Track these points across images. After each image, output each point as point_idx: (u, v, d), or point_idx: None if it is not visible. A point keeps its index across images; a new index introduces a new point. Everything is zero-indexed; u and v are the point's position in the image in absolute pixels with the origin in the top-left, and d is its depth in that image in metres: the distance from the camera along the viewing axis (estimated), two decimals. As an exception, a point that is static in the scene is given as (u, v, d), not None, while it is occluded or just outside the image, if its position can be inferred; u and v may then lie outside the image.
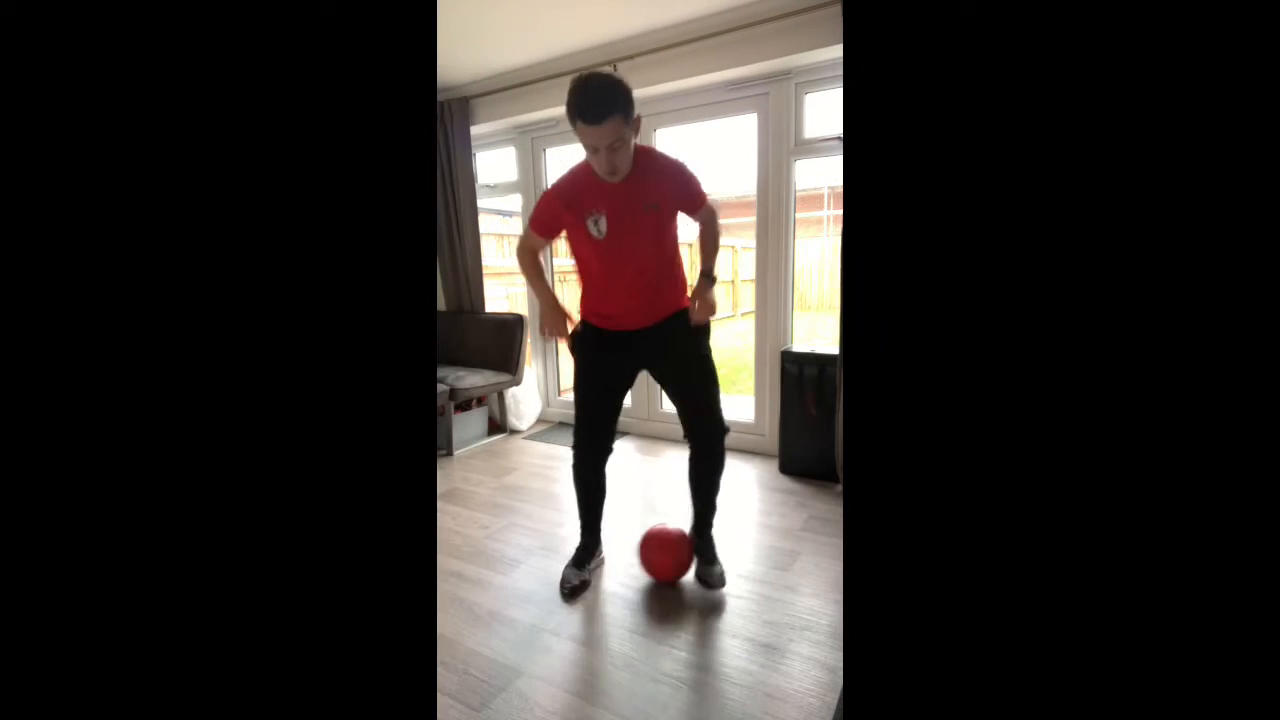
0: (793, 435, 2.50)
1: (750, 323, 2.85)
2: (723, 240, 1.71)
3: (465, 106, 3.13)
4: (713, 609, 1.59)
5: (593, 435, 1.68)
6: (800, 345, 2.54)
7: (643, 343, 1.61)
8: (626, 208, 1.48)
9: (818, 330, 3.18)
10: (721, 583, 1.66)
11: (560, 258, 3.65)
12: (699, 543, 1.75)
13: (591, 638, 1.49)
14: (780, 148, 2.53)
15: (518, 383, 3.19)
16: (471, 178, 3.22)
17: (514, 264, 4.09)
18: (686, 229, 1.68)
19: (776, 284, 2.66)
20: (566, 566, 1.74)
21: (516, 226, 3.55)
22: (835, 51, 2.25)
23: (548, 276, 3.40)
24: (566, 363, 3.58)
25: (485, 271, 3.42)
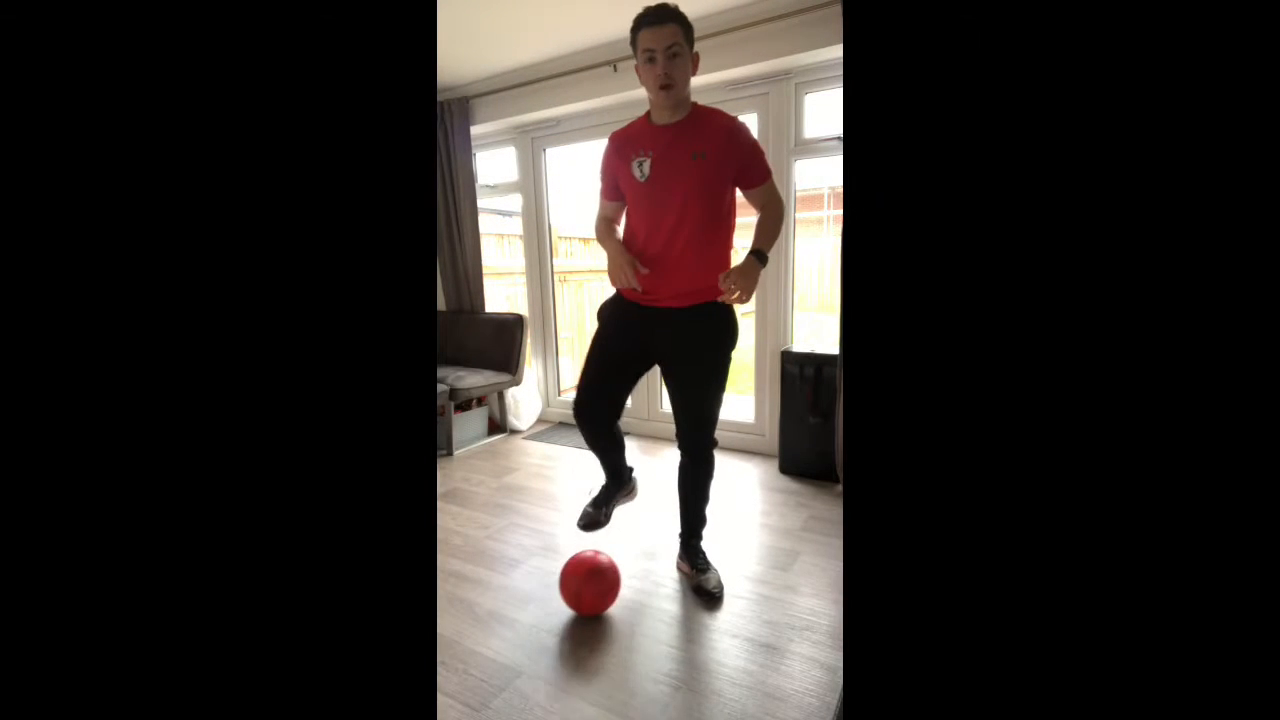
0: (793, 435, 2.50)
1: (750, 323, 2.85)
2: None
3: (465, 106, 3.13)
4: (712, 609, 1.59)
5: (594, 404, 1.57)
6: (800, 345, 2.54)
7: (667, 327, 1.50)
8: (672, 150, 1.43)
9: (818, 330, 3.18)
10: (719, 589, 1.64)
11: (560, 258, 3.65)
12: (687, 552, 1.74)
13: (591, 638, 1.49)
14: (780, 148, 2.53)
15: (518, 383, 3.19)
16: (471, 178, 3.22)
17: (514, 264, 4.09)
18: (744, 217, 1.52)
19: (776, 284, 2.66)
20: (586, 505, 1.73)
21: (517, 226, 3.55)
22: (835, 51, 2.25)
23: (548, 282, 3.41)
24: (566, 363, 3.58)
25: (485, 271, 3.42)
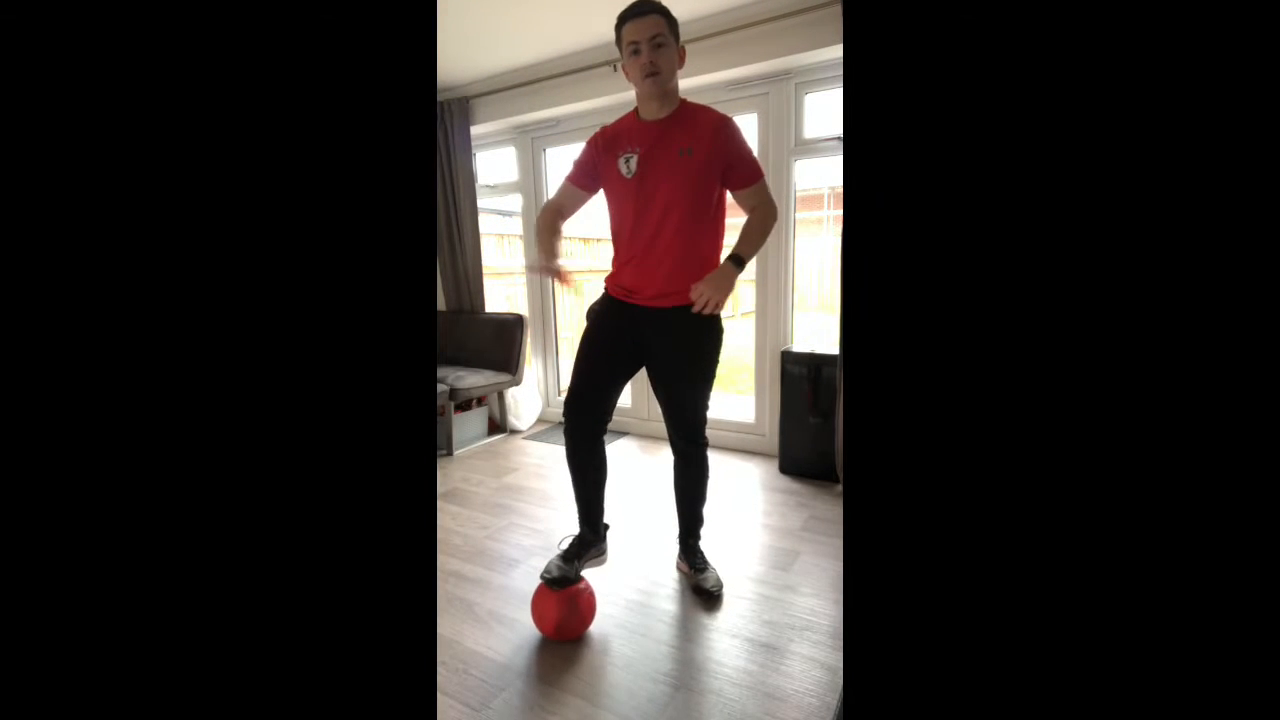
0: (793, 435, 2.50)
1: (750, 323, 2.85)
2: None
3: (465, 106, 3.13)
4: (712, 609, 1.59)
5: (582, 409, 1.51)
6: (800, 345, 2.54)
7: (653, 327, 1.49)
8: (659, 147, 1.41)
9: (818, 330, 3.18)
10: (718, 588, 1.64)
11: (559, 258, 3.64)
12: (686, 552, 1.74)
13: (591, 638, 1.49)
14: (780, 148, 2.53)
15: (518, 383, 3.19)
16: (471, 178, 3.22)
17: (514, 264, 4.09)
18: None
19: (776, 284, 2.66)
20: (555, 558, 1.51)
21: (517, 226, 3.55)
22: (835, 51, 2.25)
23: (548, 282, 3.40)
24: (566, 363, 3.58)
25: (485, 271, 3.42)
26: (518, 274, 3.69)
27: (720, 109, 1.50)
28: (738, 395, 4.13)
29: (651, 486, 2.44)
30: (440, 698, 1.29)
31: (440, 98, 3.17)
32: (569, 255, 4.57)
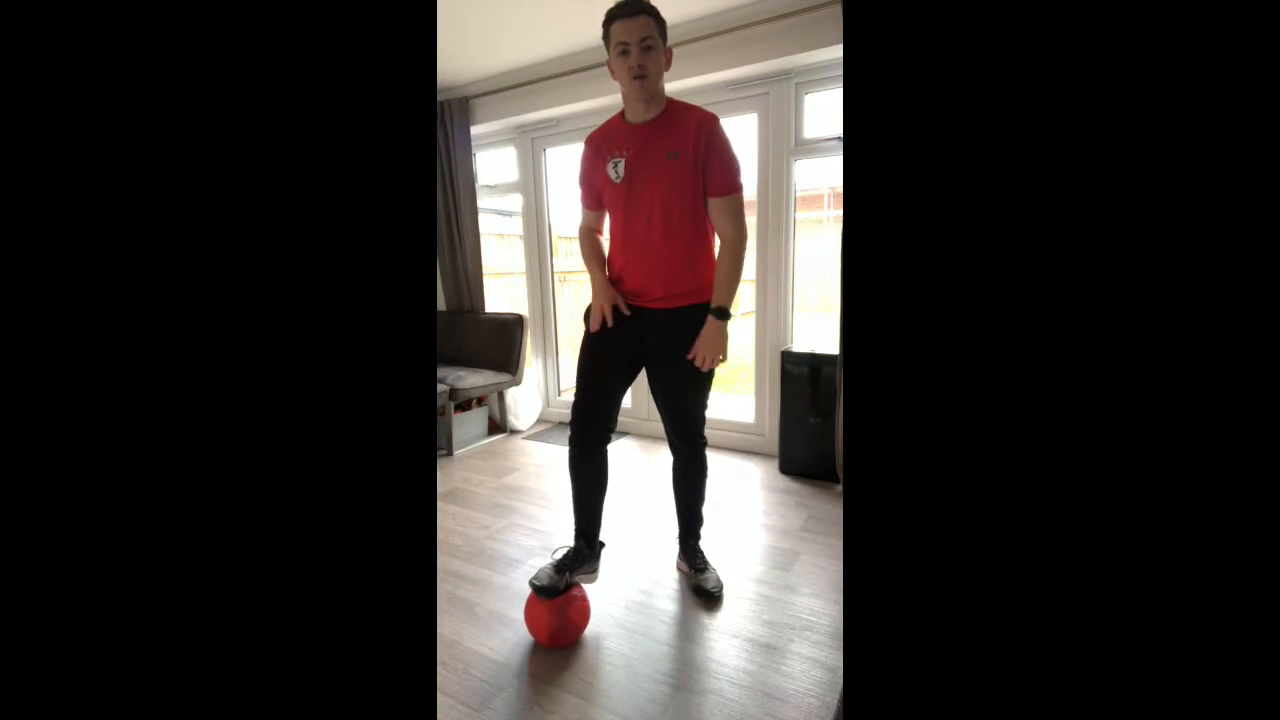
0: (793, 435, 2.50)
1: (750, 323, 2.85)
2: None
3: (465, 106, 3.13)
4: (712, 609, 1.59)
5: (585, 418, 1.51)
6: (800, 345, 2.54)
7: (651, 329, 1.48)
8: (647, 151, 1.40)
9: (818, 330, 3.19)
10: (718, 589, 1.63)
11: (560, 258, 3.65)
12: (686, 552, 1.74)
13: (591, 638, 1.49)
14: (780, 148, 2.53)
15: (518, 383, 3.19)
16: (471, 178, 3.22)
17: (514, 264, 4.08)
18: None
19: (776, 284, 2.66)
20: (547, 566, 1.48)
21: (517, 226, 3.54)
22: (835, 51, 2.25)
23: (548, 282, 3.40)
24: (566, 363, 3.58)
25: (485, 271, 3.42)
26: (518, 274, 3.69)
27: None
28: (738, 395, 4.13)
29: (651, 487, 2.44)
30: (440, 698, 1.29)
31: (440, 98, 3.17)
32: (568, 255, 4.57)
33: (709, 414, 1.63)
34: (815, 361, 2.40)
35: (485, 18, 2.35)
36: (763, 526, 2.07)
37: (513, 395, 3.28)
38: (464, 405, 3.05)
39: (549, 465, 2.76)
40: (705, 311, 1.44)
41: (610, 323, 1.49)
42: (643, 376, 1.60)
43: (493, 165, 3.51)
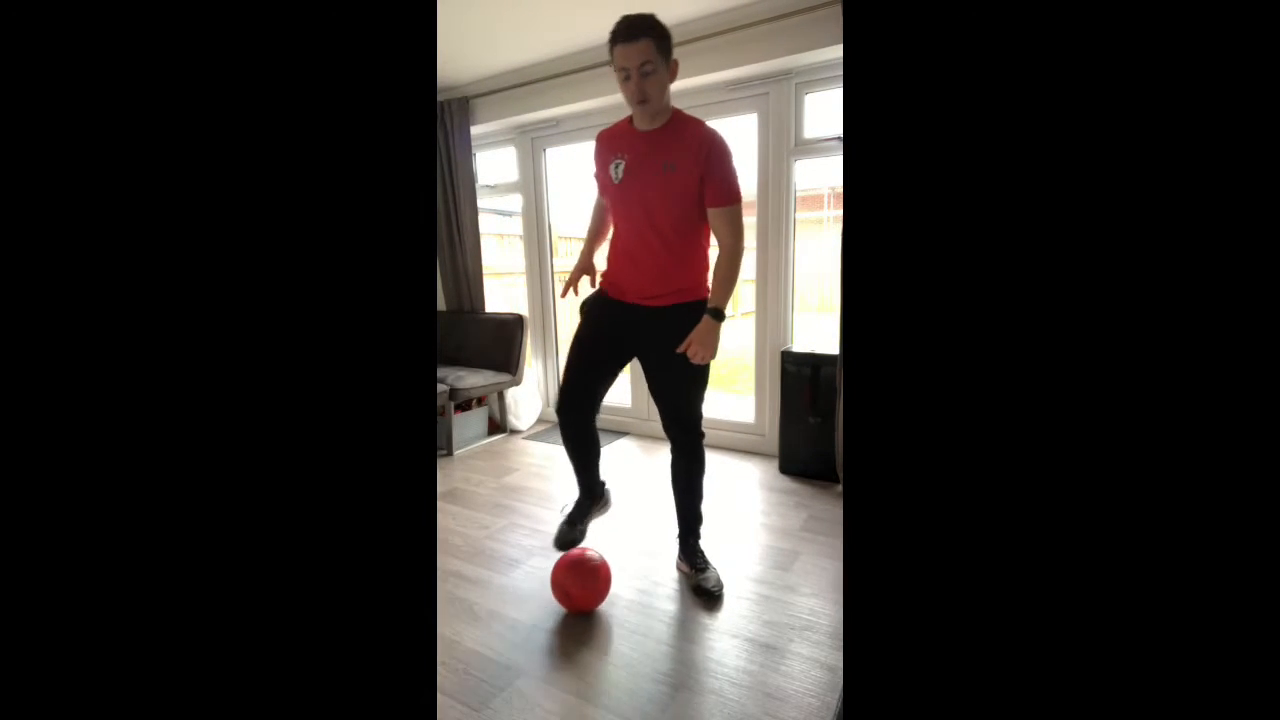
0: (793, 435, 2.50)
1: (750, 323, 2.85)
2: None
3: (465, 106, 3.13)
4: (713, 609, 1.59)
5: (571, 406, 1.60)
6: (800, 345, 2.54)
7: (643, 325, 1.53)
8: (645, 158, 1.44)
9: (818, 330, 3.19)
10: (719, 588, 1.64)
11: (559, 258, 3.65)
12: (686, 552, 1.74)
13: (591, 638, 1.49)
14: (780, 148, 2.53)
15: (518, 383, 3.19)
16: (471, 178, 3.22)
17: (514, 264, 4.09)
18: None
19: (776, 284, 2.66)
20: (561, 523, 1.70)
21: (517, 226, 3.55)
22: (835, 51, 2.25)
23: (548, 282, 3.41)
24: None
25: (485, 271, 3.42)
26: (518, 274, 3.69)
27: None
28: (738, 395, 4.13)
29: (651, 487, 2.44)
30: (440, 698, 1.29)
31: (440, 98, 3.17)
32: (568, 255, 4.57)
33: (709, 414, 1.64)
34: (815, 361, 2.40)
35: (485, 18, 2.35)
36: (763, 526, 2.07)
37: (513, 395, 3.28)
38: (464, 405, 3.05)
39: (549, 465, 2.76)
40: (695, 309, 1.48)
41: (576, 292, 1.63)
42: (640, 376, 1.62)
43: (493, 165, 3.51)
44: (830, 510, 2.18)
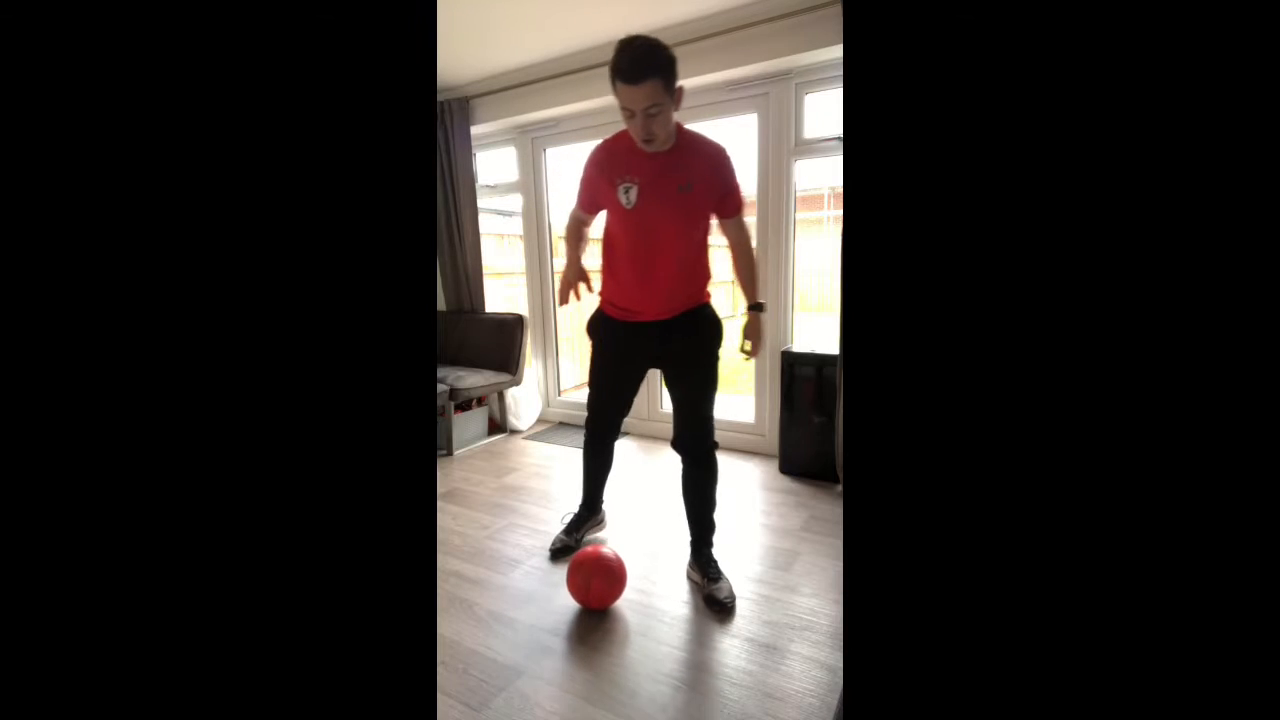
0: (793, 435, 2.50)
1: (750, 323, 2.84)
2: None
3: (465, 106, 3.13)
4: (724, 619, 1.57)
5: (601, 424, 1.77)
6: (800, 345, 2.54)
7: (657, 337, 1.57)
8: (660, 182, 1.44)
9: (818, 330, 3.19)
10: (731, 600, 1.59)
11: (560, 258, 3.65)
12: (698, 561, 1.70)
13: (591, 638, 1.49)
14: (780, 148, 2.53)
15: (518, 383, 3.18)
16: (471, 178, 3.22)
17: (514, 264, 4.09)
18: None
19: (776, 284, 2.66)
20: (559, 533, 1.87)
21: (517, 226, 3.54)
22: (835, 51, 2.25)
23: (548, 282, 3.40)
24: (566, 363, 3.58)
25: (485, 271, 3.42)
26: (518, 274, 3.69)
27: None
28: (738, 395, 4.13)
29: (651, 487, 2.44)
30: (440, 698, 1.29)
31: (440, 98, 3.17)
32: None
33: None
34: (815, 361, 2.40)
35: (485, 18, 2.35)
36: (763, 526, 2.07)
37: (513, 395, 3.28)
38: (464, 405, 3.05)
39: (549, 465, 2.76)
40: (702, 311, 1.58)
41: (579, 297, 1.67)
42: (647, 377, 1.69)
43: (493, 165, 3.51)
44: (830, 510, 2.18)
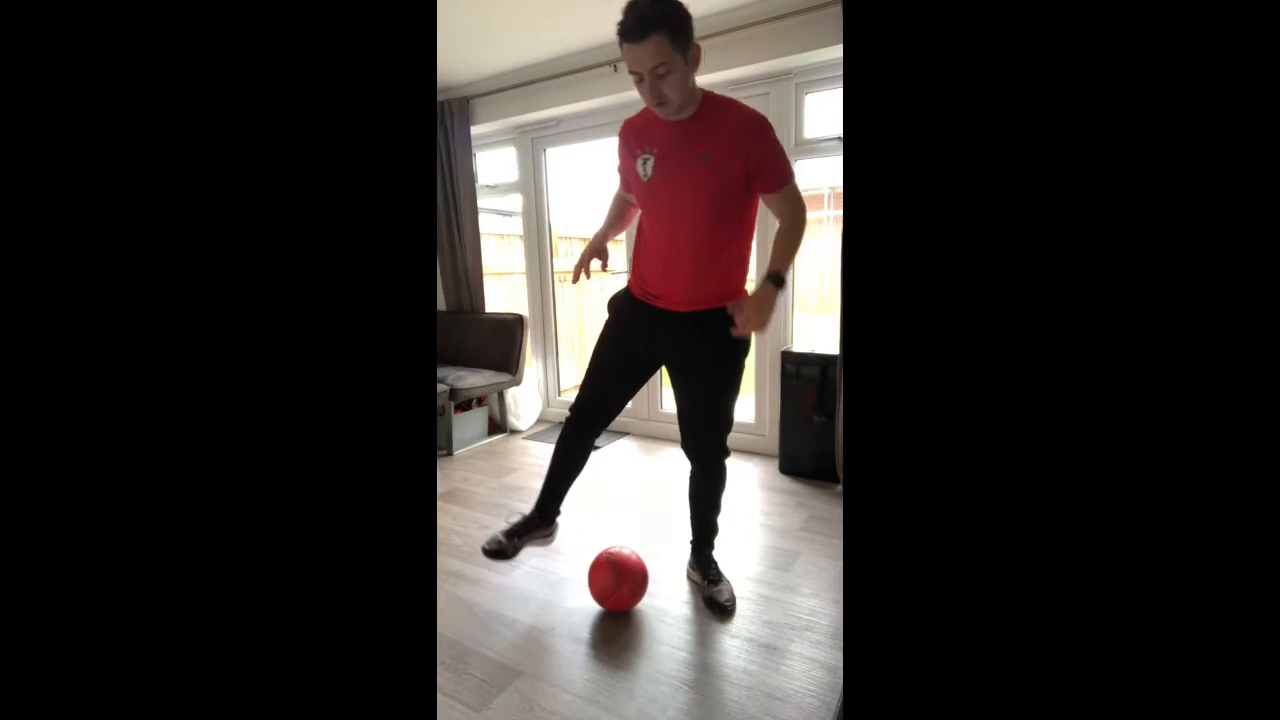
0: (793, 435, 2.50)
1: (750, 323, 2.84)
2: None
3: (465, 106, 3.13)
4: (724, 621, 1.57)
5: (584, 420, 1.53)
6: (800, 345, 2.54)
7: (676, 331, 1.40)
8: (675, 152, 1.28)
9: (818, 330, 3.19)
10: (731, 602, 1.57)
11: (559, 258, 3.64)
12: (699, 562, 1.68)
13: (591, 638, 1.49)
14: (780, 148, 2.53)
15: (518, 383, 3.18)
16: (471, 178, 3.22)
17: (514, 264, 4.09)
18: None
19: (776, 284, 2.65)
20: (498, 533, 1.56)
21: (517, 226, 3.55)
22: (835, 51, 2.25)
23: (548, 282, 3.40)
24: (566, 363, 3.57)
25: (485, 271, 3.42)
26: (518, 274, 3.69)
27: (739, 100, 1.36)
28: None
29: (651, 488, 2.44)
30: (440, 698, 1.29)
31: (440, 98, 3.17)
32: (568, 255, 4.57)
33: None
34: (815, 361, 2.40)
35: (485, 18, 2.35)
36: (763, 526, 2.07)
37: (513, 395, 3.28)
38: (464, 405, 3.05)
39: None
40: (726, 315, 1.35)
41: (589, 275, 1.51)
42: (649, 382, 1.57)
43: (493, 165, 3.51)
44: (830, 510, 2.18)
